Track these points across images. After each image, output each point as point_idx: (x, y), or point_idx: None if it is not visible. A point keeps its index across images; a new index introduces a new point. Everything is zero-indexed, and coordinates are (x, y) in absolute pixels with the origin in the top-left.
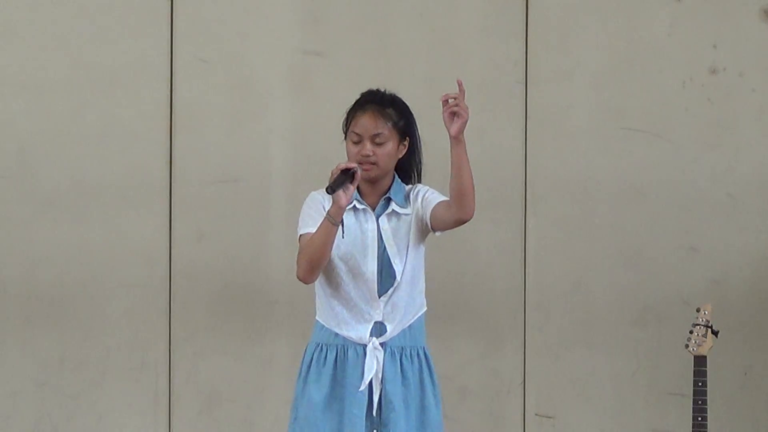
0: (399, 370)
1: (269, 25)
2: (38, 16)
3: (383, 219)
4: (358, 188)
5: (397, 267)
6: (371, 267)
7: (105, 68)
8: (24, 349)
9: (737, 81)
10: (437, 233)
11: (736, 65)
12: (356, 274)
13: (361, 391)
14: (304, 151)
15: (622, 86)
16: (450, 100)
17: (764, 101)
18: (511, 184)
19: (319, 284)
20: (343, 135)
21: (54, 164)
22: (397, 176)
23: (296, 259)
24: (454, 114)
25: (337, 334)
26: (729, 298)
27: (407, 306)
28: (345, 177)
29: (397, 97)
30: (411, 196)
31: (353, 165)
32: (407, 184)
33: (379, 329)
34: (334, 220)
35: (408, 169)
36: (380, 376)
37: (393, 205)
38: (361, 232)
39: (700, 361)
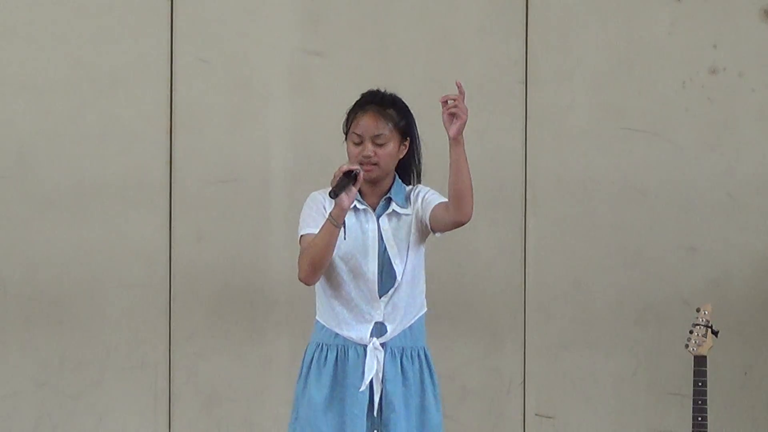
0: (399, 370)
1: (269, 25)
2: (38, 16)
3: (384, 219)
4: (359, 188)
5: (398, 267)
6: (372, 267)
7: (105, 68)
8: (24, 349)
9: (737, 81)
10: (437, 234)
11: (736, 65)
12: (357, 274)
13: (362, 392)
14: (304, 151)
15: (622, 86)
16: (449, 101)
17: (764, 101)
18: (511, 184)
19: (319, 284)
20: (344, 135)
21: (54, 164)
22: (397, 176)
23: (298, 260)
24: (453, 115)
25: (337, 335)
26: (729, 298)
27: (408, 306)
28: (347, 179)
29: (397, 97)
30: (411, 196)
31: (355, 167)
32: (407, 184)
33: (379, 329)
34: (336, 222)
35: (408, 169)
36: (381, 376)
37: (393, 206)
38: (362, 232)
39: (700, 361)
